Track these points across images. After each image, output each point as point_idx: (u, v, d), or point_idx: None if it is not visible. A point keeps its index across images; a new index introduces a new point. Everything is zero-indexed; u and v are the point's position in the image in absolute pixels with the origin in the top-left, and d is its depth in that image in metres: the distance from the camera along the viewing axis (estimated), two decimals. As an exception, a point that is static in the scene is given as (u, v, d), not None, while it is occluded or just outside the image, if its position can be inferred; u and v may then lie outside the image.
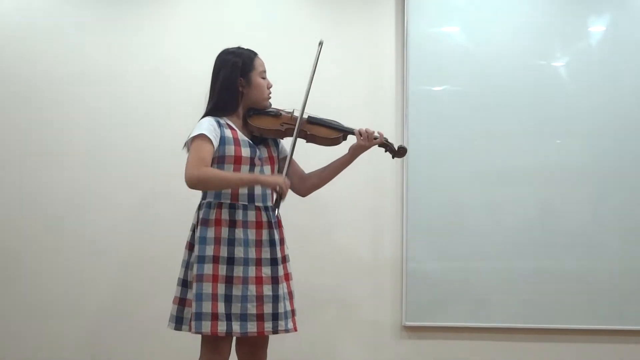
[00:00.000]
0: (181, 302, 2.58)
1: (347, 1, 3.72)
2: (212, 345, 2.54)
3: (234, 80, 2.64)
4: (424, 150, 3.59)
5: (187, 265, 2.60)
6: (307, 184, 2.79)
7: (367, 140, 2.71)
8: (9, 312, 3.55)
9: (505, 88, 3.63)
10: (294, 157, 2.71)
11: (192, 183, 2.48)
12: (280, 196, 2.55)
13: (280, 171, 2.66)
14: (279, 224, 2.67)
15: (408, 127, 3.61)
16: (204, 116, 2.64)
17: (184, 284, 2.58)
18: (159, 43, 3.67)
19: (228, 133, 2.60)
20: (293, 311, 2.64)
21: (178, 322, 2.57)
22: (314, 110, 2.71)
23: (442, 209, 3.61)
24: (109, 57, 3.64)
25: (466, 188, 3.61)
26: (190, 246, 2.59)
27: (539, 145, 3.61)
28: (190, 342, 2.71)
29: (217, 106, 2.64)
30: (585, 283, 3.54)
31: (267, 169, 2.66)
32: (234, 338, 2.63)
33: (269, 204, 2.64)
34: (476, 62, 3.65)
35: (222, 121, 2.62)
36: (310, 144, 2.74)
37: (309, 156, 2.83)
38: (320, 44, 2.68)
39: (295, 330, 2.63)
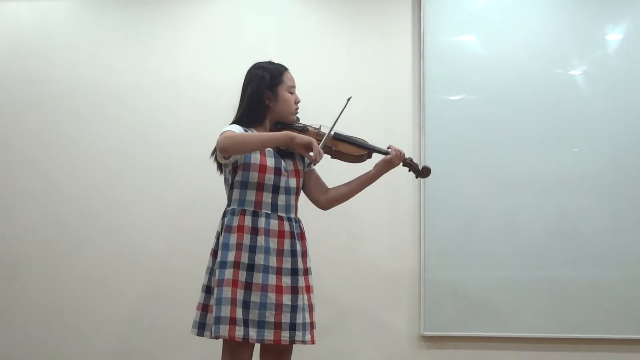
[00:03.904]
0: (204, 308, 2.59)
1: (364, 11, 3.74)
2: (233, 352, 2.55)
3: (261, 93, 2.66)
4: (441, 160, 3.57)
5: (210, 272, 2.61)
6: (329, 197, 2.81)
7: (398, 157, 2.76)
8: (31, 315, 3.59)
9: (522, 97, 3.62)
10: (317, 171, 2.81)
11: (224, 145, 2.47)
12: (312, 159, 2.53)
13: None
14: (302, 236, 2.68)
15: (425, 136, 3.61)
16: (231, 124, 2.66)
17: (207, 290, 2.60)
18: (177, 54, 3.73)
19: None
20: (312, 324, 2.63)
21: (201, 327, 2.58)
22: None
23: (459, 218, 3.59)
24: (127, 69, 3.69)
25: (484, 197, 3.60)
26: (215, 253, 2.60)
27: (557, 153, 3.60)
28: (213, 349, 2.71)
29: (244, 117, 2.67)
30: (606, 291, 3.51)
31: (293, 181, 2.67)
32: (258, 346, 2.63)
33: (292, 215, 2.66)
34: (493, 70, 3.65)
35: (248, 130, 2.64)
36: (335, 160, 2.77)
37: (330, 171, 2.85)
38: (349, 99, 2.70)
39: (313, 342, 2.62)
